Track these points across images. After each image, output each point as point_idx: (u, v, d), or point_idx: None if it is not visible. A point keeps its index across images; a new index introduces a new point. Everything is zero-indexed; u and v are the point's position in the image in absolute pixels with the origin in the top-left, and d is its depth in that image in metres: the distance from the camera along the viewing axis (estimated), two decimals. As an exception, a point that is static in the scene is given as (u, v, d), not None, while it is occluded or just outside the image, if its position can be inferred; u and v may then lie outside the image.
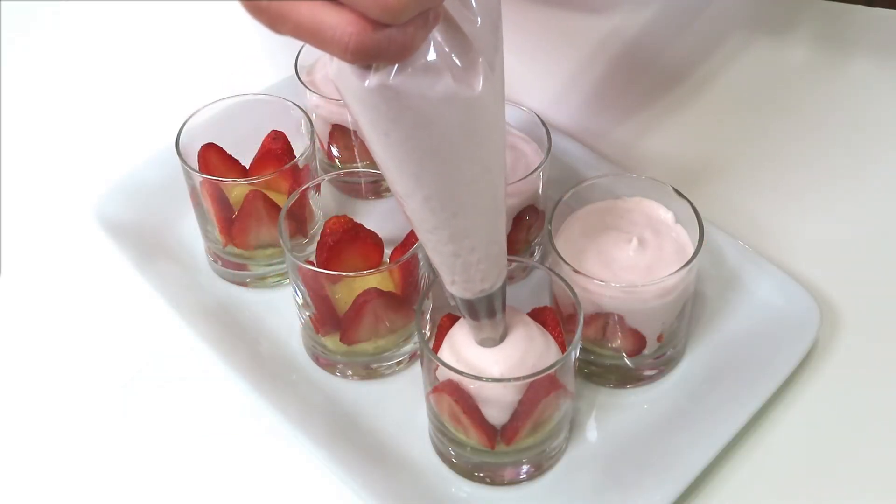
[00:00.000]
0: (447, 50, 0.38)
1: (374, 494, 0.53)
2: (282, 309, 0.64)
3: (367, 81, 0.37)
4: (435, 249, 0.45)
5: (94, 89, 0.84)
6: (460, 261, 0.46)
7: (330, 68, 0.39)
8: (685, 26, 0.85)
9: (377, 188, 0.71)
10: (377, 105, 0.38)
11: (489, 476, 0.55)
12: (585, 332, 0.57)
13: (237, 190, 0.62)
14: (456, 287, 0.47)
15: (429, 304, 0.55)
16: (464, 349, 0.51)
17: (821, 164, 0.73)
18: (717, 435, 0.54)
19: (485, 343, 0.51)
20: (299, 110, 0.65)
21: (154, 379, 0.62)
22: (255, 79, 0.76)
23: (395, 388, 0.60)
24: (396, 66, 0.37)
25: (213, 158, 0.63)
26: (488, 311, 0.49)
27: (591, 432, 0.57)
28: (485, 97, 0.39)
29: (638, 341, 0.57)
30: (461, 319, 0.53)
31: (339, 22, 0.35)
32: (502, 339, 0.51)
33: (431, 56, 0.37)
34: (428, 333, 0.55)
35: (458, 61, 0.38)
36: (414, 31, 0.36)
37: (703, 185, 0.69)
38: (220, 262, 0.66)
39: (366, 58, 0.36)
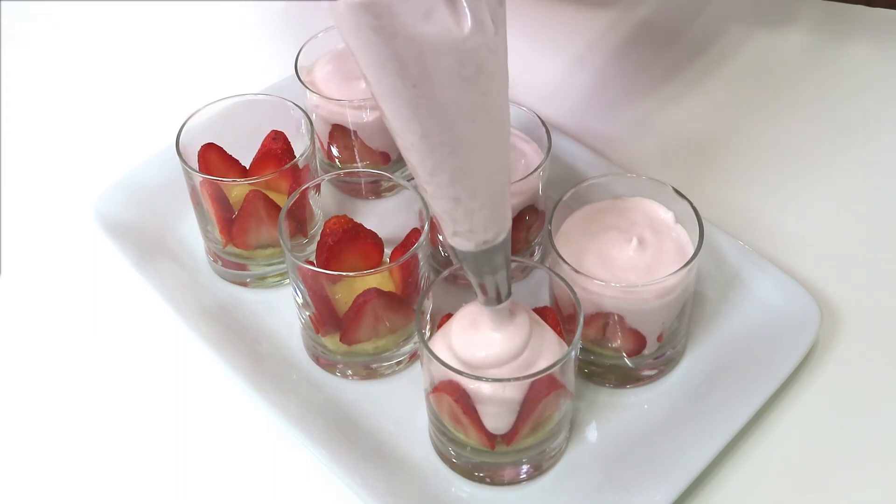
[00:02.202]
0: None
1: (374, 494, 0.53)
2: (282, 309, 0.64)
3: None
4: (435, 196, 0.45)
5: (93, 89, 0.84)
6: (462, 207, 0.45)
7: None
8: (685, 26, 0.85)
9: (377, 188, 0.71)
10: (364, 26, 0.38)
11: (489, 476, 0.55)
12: (585, 332, 0.57)
13: (237, 190, 0.62)
14: (458, 239, 0.47)
15: (429, 304, 0.55)
16: (454, 341, 0.51)
17: (821, 165, 0.73)
18: (717, 435, 0.54)
19: (489, 303, 0.50)
20: (299, 110, 0.65)
21: (154, 379, 0.62)
22: (255, 79, 0.76)
23: (395, 388, 0.60)
24: None
25: (213, 158, 0.63)
26: (492, 267, 0.48)
27: (591, 432, 0.57)
28: (477, 39, 0.40)
29: (638, 341, 0.57)
30: (455, 314, 0.53)
31: None
32: (508, 297, 0.50)
33: None
34: (428, 333, 0.55)
35: None
36: None
37: (703, 185, 0.69)
38: (220, 262, 0.66)
39: None
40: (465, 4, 0.39)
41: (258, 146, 0.65)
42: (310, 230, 0.65)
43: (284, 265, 0.65)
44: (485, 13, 0.40)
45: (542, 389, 0.51)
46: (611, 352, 0.58)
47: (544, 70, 0.82)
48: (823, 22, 0.84)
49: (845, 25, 0.83)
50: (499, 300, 0.50)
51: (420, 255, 0.57)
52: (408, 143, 0.43)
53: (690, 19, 0.85)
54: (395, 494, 0.53)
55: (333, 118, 0.68)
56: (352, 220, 0.58)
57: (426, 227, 0.57)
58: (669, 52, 0.83)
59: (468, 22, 0.39)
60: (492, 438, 0.53)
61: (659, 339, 0.57)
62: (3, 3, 0.91)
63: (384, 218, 0.64)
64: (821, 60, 0.81)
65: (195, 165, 0.63)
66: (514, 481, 0.55)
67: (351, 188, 0.71)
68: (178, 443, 0.58)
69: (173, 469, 0.57)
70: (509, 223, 0.48)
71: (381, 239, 0.60)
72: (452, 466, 0.55)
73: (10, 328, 0.65)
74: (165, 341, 0.63)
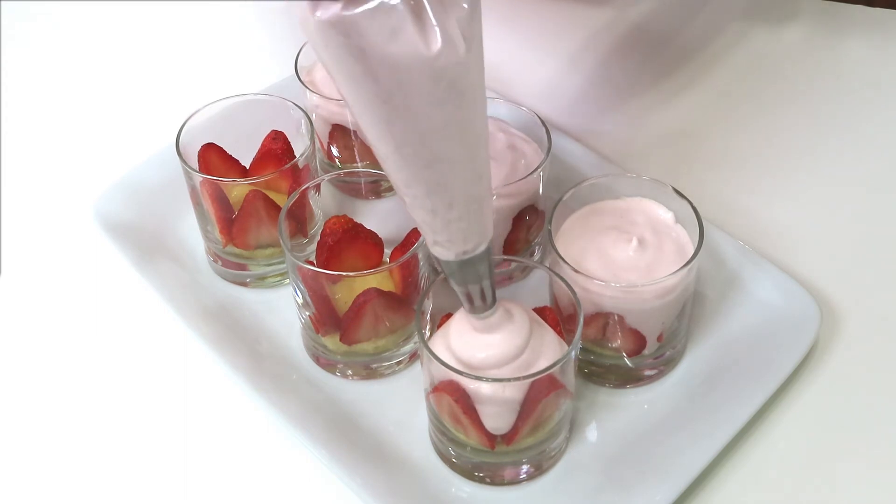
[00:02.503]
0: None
1: (374, 494, 0.53)
2: (282, 309, 0.64)
3: (318, 12, 0.38)
4: (413, 206, 0.45)
5: (93, 89, 0.84)
6: (439, 218, 0.45)
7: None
8: (685, 25, 0.85)
9: (377, 188, 0.71)
10: (333, 43, 0.39)
11: (489, 476, 0.55)
12: (585, 332, 0.57)
13: (237, 190, 0.62)
14: (439, 248, 0.47)
15: (429, 304, 0.55)
16: (454, 341, 0.52)
17: (821, 165, 0.73)
18: (717, 435, 0.54)
19: (476, 311, 0.50)
20: (299, 110, 0.65)
21: (154, 379, 0.62)
22: (255, 79, 0.76)
23: (395, 388, 0.60)
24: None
25: (213, 158, 0.63)
26: (474, 276, 0.48)
27: (591, 432, 0.57)
28: (447, 58, 0.40)
29: (638, 341, 0.57)
30: (455, 314, 0.53)
31: None
32: (493, 306, 0.50)
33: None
34: (428, 333, 0.55)
35: (426, 11, 0.39)
36: None
37: (703, 185, 0.69)
38: (220, 262, 0.66)
39: None
40: (433, 23, 0.39)
41: (258, 146, 0.65)
42: (310, 230, 0.65)
43: (284, 265, 0.65)
44: (455, 31, 0.40)
45: (542, 389, 0.51)
46: (611, 352, 0.58)
47: (544, 70, 0.82)
48: (824, 22, 0.84)
49: (846, 25, 0.83)
50: (483, 309, 0.50)
51: (420, 255, 0.57)
52: (382, 154, 0.43)
53: (691, 18, 0.85)
54: (395, 494, 0.53)
55: (333, 118, 0.68)
56: (352, 220, 0.58)
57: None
58: (670, 50, 0.83)
59: (437, 41, 0.39)
60: (492, 438, 0.53)
61: (659, 339, 0.57)
62: (3, 3, 0.91)
63: (384, 218, 0.64)
64: (822, 60, 0.81)
65: (195, 165, 0.63)
66: (514, 481, 0.55)
67: (351, 188, 0.71)
68: (179, 443, 0.58)
69: (173, 469, 0.57)
70: (490, 233, 0.48)
71: (381, 239, 0.60)
72: (452, 466, 0.55)
73: (10, 328, 0.65)
74: (165, 341, 0.63)
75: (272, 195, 0.62)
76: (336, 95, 0.67)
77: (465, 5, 0.40)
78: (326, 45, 0.39)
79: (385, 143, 0.42)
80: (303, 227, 0.64)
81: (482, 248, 0.48)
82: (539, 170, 0.61)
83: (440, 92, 0.41)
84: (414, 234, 0.58)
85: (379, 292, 0.56)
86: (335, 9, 0.38)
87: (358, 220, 0.59)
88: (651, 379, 0.59)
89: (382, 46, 0.39)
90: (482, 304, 0.50)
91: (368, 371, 0.60)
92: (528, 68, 0.81)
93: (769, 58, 0.82)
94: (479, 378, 0.49)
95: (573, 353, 0.51)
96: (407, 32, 0.39)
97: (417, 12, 0.39)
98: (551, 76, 0.81)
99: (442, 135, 0.42)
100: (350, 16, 0.38)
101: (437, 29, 0.39)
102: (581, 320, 0.51)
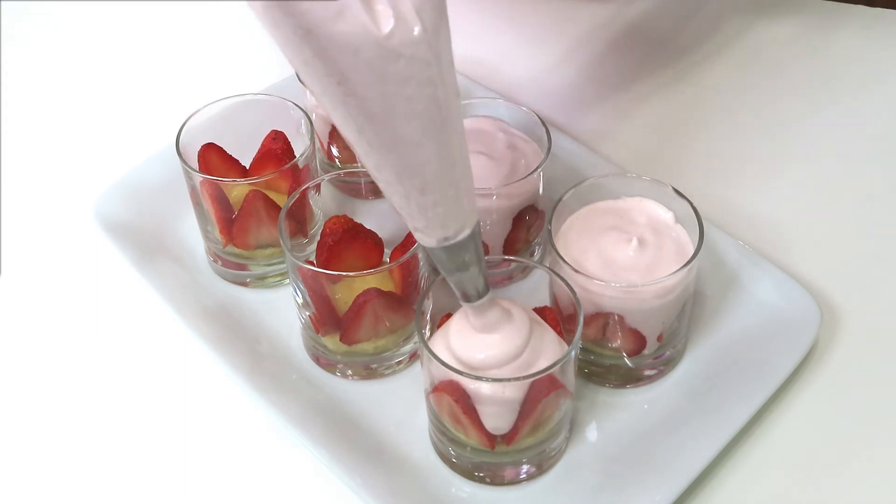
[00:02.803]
0: None
1: (374, 494, 0.53)
2: (282, 309, 0.64)
3: None
4: (387, 192, 0.45)
5: (93, 89, 0.84)
6: (413, 203, 0.45)
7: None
8: (685, 24, 0.85)
9: (377, 188, 0.70)
10: (280, 23, 0.38)
11: (489, 476, 0.55)
12: (585, 332, 0.57)
13: (237, 190, 0.62)
14: (419, 234, 0.47)
15: (429, 304, 0.55)
16: (454, 341, 0.52)
17: (822, 165, 0.73)
18: (717, 435, 0.54)
19: (470, 301, 0.50)
20: (299, 110, 0.65)
21: (154, 379, 0.62)
22: (255, 79, 0.76)
23: (395, 388, 0.60)
24: None
25: (213, 158, 0.63)
26: (460, 263, 0.48)
27: (591, 432, 0.57)
28: (400, 37, 0.39)
29: (638, 341, 0.57)
30: (455, 314, 0.53)
31: None
32: (485, 295, 0.50)
33: None
34: (428, 333, 0.55)
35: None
36: None
37: (703, 185, 0.69)
38: (220, 262, 0.66)
39: None
40: (384, 2, 0.38)
41: (258, 146, 0.65)
42: (310, 230, 0.65)
43: (284, 265, 0.65)
44: (409, 11, 0.39)
45: (542, 389, 0.51)
46: (611, 352, 0.58)
47: (544, 69, 0.82)
48: (824, 21, 0.84)
49: (845, 26, 0.83)
50: (477, 298, 0.50)
51: (420, 255, 0.57)
52: (348, 138, 0.43)
53: (692, 17, 0.85)
54: (395, 494, 0.53)
55: (333, 118, 0.68)
56: (352, 220, 0.58)
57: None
58: (670, 50, 0.83)
59: (389, 20, 0.39)
60: (492, 438, 0.53)
61: (659, 339, 0.57)
62: (3, 3, 0.91)
63: (384, 218, 0.64)
64: (822, 60, 0.81)
65: (195, 165, 0.63)
66: (515, 481, 0.55)
67: (351, 188, 0.71)
68: (179, 443, 0.58)
69: (173, 469, 0.57)
70: (472, 219, 0.47)
71: (381, 239, 0.60)
72: (452, 466, 0.55)
73: (10, 328, 0.65)
74: (165, 341, 0.63)
75: (272, 195, 0.62)
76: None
77: None
78: (275, 25, 0.38)
79: (347, 126, 0.42)
80: (303, 227, 0.64)
81: (464, 234, 0.47)
82: (539, 170, 0.61)
83: (398, 72, 0.40)
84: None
85: (379, 292, 0.56)
86: None
87: (358, 220, 0.59)
88: (651, 379, 0.59)
89: (329, 26, 0.38)
90: (475, 293, 0.49)
91: (368, 371, 0.60)
92: (528, 68, 0.81)
93: (770, 58, 0.82)
94: (479, 378, 0.49)
95: (573, 353, 0.51)
96: (354, 12, 0.38)
97: None
98: (551, 76, 0.81)
99: (404, 117, 0.41)
100: None
101: (388, 8, 0.38)
102: (581, 320, 0.51)
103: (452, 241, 0.47)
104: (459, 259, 0.48)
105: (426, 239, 0.47)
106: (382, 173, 0.44)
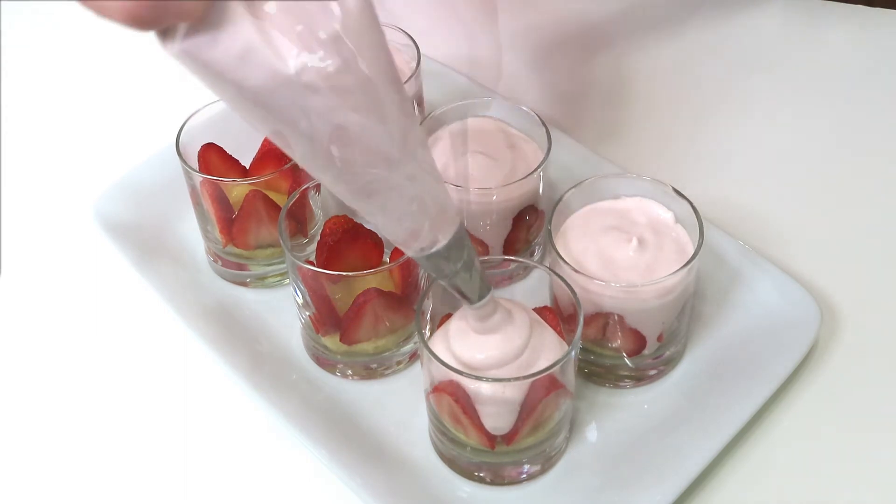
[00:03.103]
0: (271, 22, 0.37)
1: (374, 494, 0.53)
2: (282, 309, 0.64)
3: (167, 46, 0.38)
4: (353, 209, 0.45)
5: (93, 89, 0.84)
6: (378, 220, 0.45)
7: None
8: (685, 24, 0.85)
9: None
10: (190, 68, 0.38)
11: (489, 476, 0.55)
12: (585, 332, 0.57)
13: (237, 190, 0.62)
14: (398, 245, 0.47)
15: (429, 304, 0.55)
16: (454, 341, 0.52)
17: (821, 165, 0.73)
18: (717, 435, 0.54)
19: (470, 303, 0.50)
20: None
21: (154, 379, 0.62)
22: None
23: (395, 388, 0.60)
24: (185, 30, 0.37)
25: (213, 158, 0.63)
26: (447, 270, 0.48)
27: (591, 432, 0.57)
28: (313, 73, 0.38)
29: (638, 341, 0.57)
30: (455, 314, 0.53)
31: None
32: (483, 299, 0.50)
33: (232, 23, 0.37)
34: (428, 333, 0.55)
35: (275, 30, 0.38)
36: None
37: (703, 185, 0.69)
38: (220, 262, 0.66)
39: (141, 25, 0.36)
40: (287, 42, 0.37)
41: (258, 146, 0.65)
42: (310, 230, 0.65)
43: (284, 265, 0.65)
44: (320, 42, 0.38)
45: (542, 389, 0.51)
46: (611, 352, 0.58)
47: (544, 69, 0.82)
48: (825, 21, 0.84)
49: (847, 25, 0.83)
50: (473, 302, 0.50)
51: (420, 255, 0.57)
52: (299, 162, 0.42)
53: (692, 16, 0.85)
54: (395, 494, 0.53)
55: (333, 118, 0.68)
56: (352, 220, 0.58)
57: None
58: (670, 49, 0.83)
59: (296, 57, 0.38)
60: (492, 438, 0.53)
61: (659, 339, 0.57)
62: (3, 3, 0.91)
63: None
64: (823, 60, 0.81)
65: (195, 165, 0.63)
66: (515, 481, 0.55)
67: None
68: (179, 443, 0.58)
69: (173, 469, 0.57)
70: (448, 228, 0.46)
71: (381, 239, 0.60)
72: (452, 466, 0.55)
73: (10, 328, 0.65)
74: (165, 341, 0.63)
75: (272, 195, 0.62)
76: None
77: (338, 16, 0.38)
78: (191, 70, 0.38)
79: (291, 153, 0.41)
80: (303, 227, 0.64)
81: (440, 245, 0.46)
82: (539, 170, 0.61)
83: (321, 104, 0.39)
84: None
85: (379, 292, 0.56)
86: (179, 42, 0.37)
87: (358, 220, 0.59)
88: (651, 379, 0.59)
89: (236, 71, 0.37)
90: (475, 296, 0.49)
91: (368, 371, 0.60)
92: (527, 68, 0.81)
93: (770, 57, 0.82)
94: (479, 378, 0.49)
95: (573, 353, 0.51)
96: (259, 54, 0.37)
97: (264, 32, 0.37)
98: (551, 75, 0.81)
99: (343, 142, 0.41)
100: (192, 47, 0.37)
101: (292, 46, 0.38)
102: (581, 320, 0.51)
103: (430, 252, 0.47)
104: (445, 267, 0.48)
105: (405, 250, 0.47)
106: (337, 191, 0.43)
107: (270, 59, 0.38)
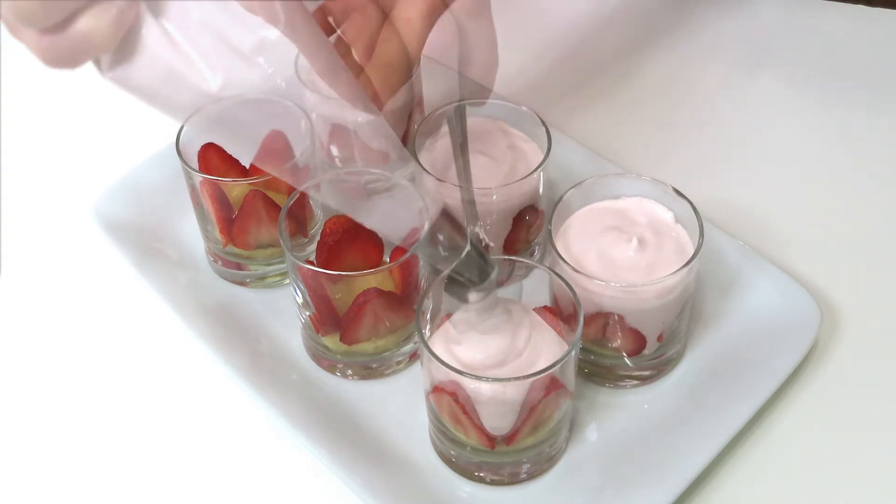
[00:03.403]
0: (186, 48, 0.39)
1: (374, 494, 0.53)
2: (282, 309, 0.64)
3: (101, 74, 0.40)
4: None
5: (93, 89, 0.83)
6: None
7: None
8: (684, 24, 0.85)
9: (378, 188, 0.71)
10: (126, 90, 0.40)
11: (489, 476, 0.55)
12: (585, 331, 0.57)
13: (237, 190, 0.62)
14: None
15: (429, 304, 0.55)
16: (454, 342, 0.52)
17: (821, 165, 0.73)
18: (717, 435, 0.54)
19: (475, 286, 0.50)
20: (299, 110, 0.65)
21: (154, 378, 0.62)
22: (255, 79, 0.76)
23: (395, 388, 0.60)
24: (109, 60, 0.39)
25: (213, 158, 0.63)
26: (432, 258, 0.49)
27: (592, 432, 0.57)
28: (234, 90, 0.40)
29: (638, 341, 0.57)
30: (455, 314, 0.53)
31: (30, 40, 0.39)
32: (494, 271, 0.50)
33: (149, 49, 0.39)
34: (428, 333, 0.55)
35: (192, 52, 0.39)
36: (77, 37, 0.37)
37: (703, 185, 0.69)
38: (220, 262, 0.66)
39: (59, 65, 0.38)
40: (204, 65, 0.39)
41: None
42: (310, 230, 0.65)
43: (284, 265, 0.65)
44: (239, 66, 0.39)
45: (542, 389, 0.51)
46: (611, 352, 0.58)
47: (544, 69, 0.82)
48: (824, 21, 0.84)
49: (845, 25, 0.83)
50: (480, 282, 0.50)
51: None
52: None
53: (692, 15, 0.85)
54: (395, 494, 0.53)
55: (333, 118, 0.68)
56: (352, 219, 0.58)
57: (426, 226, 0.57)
58: (670, 49, 0.83)
59: (216, 77, 0.39)
60: (492, 438, 0.53)
61: (659, 339, 0.57)
62: (2, 3, 0.91)
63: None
64: (823, 60, 0.81)
65: (195, 165, 0.63)
66: (515, 481, 0.55)
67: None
68: (179, 443, 0.58)
69: (173, 469, 0.57)
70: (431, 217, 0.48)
71: (381, 239, 0.60)
72: (452, 466, 0.55)
73: (10, 328, 0.65)
74: (165, 341, 0.63)
75: (272, 195, 0.62)
76: (336, 95, 0.66)
77: (263, 34, 0.39)
78: (128, 94, 0.40)
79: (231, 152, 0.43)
80: (303, 227, 0.64)
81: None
82: (539, 170, 0.61)
83: (246, 115, 0.41)
84: (414, 234, 0.58)
85: (379, 292, 0.56)
86: (107, 72, 0.39)
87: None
88: (651, 379, 0.59)
89: (164, 91, 0.39)
90: (477, 278, 0.49)
91: (368, 371, 0.60)
92: (527, 68, 0.81)
93: (771, 58, 0.82)
94: (479, 378, 0.49)
95: (573, 353, 0.51)
96: (177, 73, 0.39)
97: (182, 55, 0.38)
98: (551, 75, 0.81)
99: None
100: (119, 76, 0.39)
101: (210, 70, 0.39)
102: (581, 320, 0.51)
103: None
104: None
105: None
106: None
107: (193, 78, 0.39)
